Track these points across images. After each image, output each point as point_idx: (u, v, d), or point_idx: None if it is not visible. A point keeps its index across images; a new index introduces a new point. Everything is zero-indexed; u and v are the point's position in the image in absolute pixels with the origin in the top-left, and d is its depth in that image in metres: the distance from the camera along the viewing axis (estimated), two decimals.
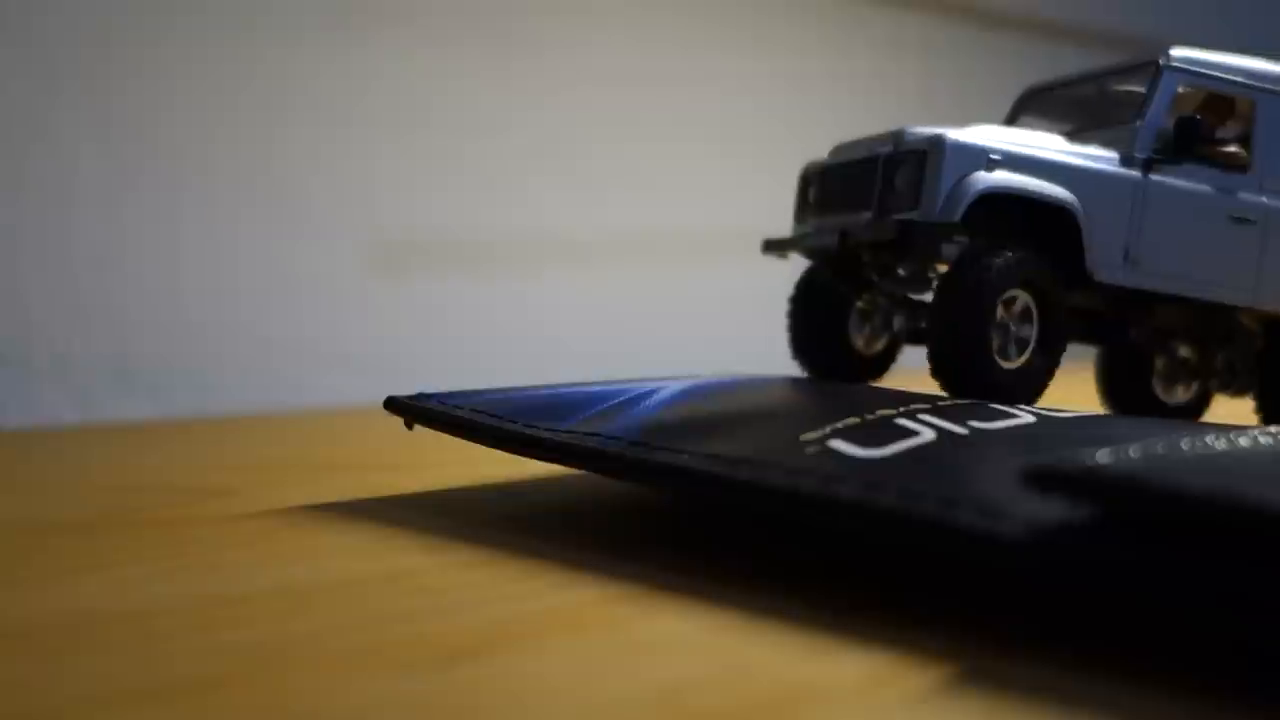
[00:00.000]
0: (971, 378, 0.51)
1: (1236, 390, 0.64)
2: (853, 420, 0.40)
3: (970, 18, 1.49)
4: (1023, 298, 0.52)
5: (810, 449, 0.38)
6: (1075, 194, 0.54)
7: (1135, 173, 0.56)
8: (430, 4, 0.88)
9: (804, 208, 0.61)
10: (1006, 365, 0.52)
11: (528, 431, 0.46)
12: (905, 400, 0.44)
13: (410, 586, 0.36)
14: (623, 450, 0.42)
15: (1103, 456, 0.28)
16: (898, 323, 0.59)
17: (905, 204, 0.53)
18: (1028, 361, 0.53)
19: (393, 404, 0.51)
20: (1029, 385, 0.53)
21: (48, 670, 0.29)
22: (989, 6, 1.51)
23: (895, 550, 0.36)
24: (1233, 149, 0.59)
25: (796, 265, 0.61)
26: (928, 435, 0.38)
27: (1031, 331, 0.53)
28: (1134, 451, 0.28)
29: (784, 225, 0.61)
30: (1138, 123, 0.56)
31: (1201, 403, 0.68)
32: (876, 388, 0.53)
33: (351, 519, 0.47)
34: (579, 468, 0.44)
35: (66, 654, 0.31)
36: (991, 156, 0.52)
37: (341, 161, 0.85)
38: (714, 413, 0.46)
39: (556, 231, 1.09)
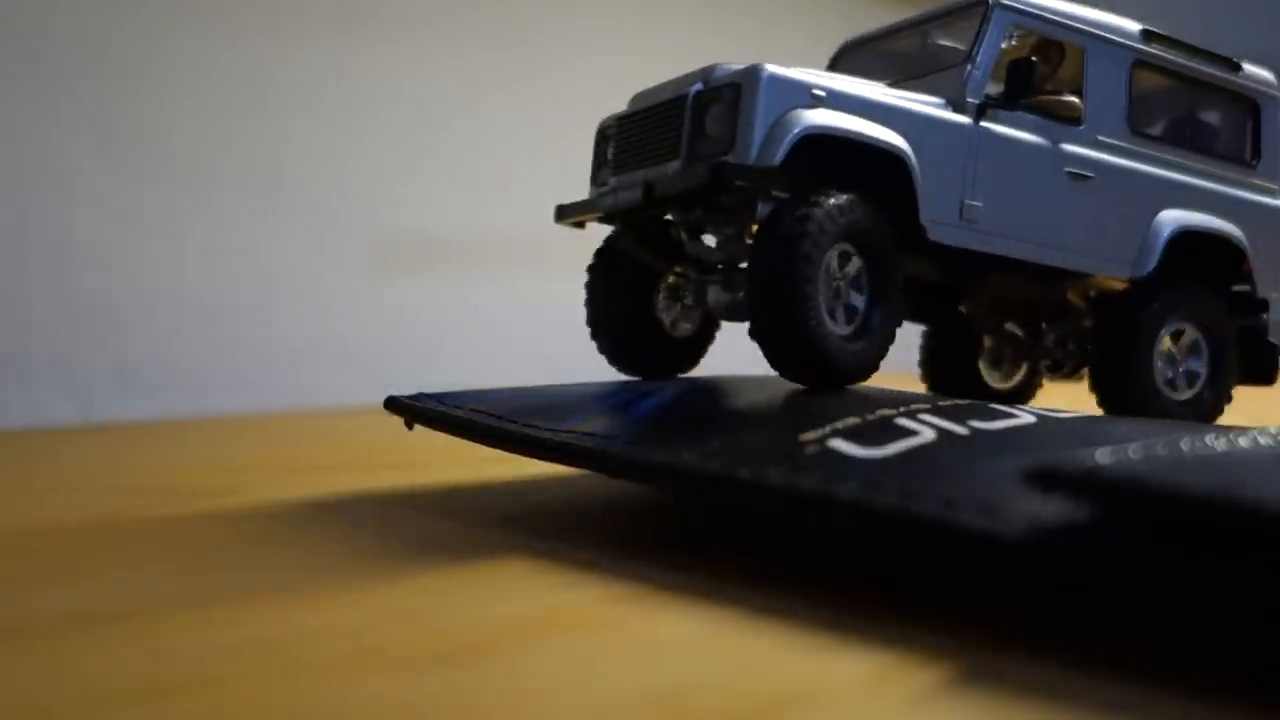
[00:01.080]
0: (794, 350, 0.45)
1: (1068, 372, 0.60)
2: (853, 420, 0.40)
3: None
4: (853, 258, 0.47)
5: (810, 449, 0.38)
6: (907, 139, 0.49)
7: (968, 120, 0.51)
8: (431, 8, 0.88)
9: (601, 166, 0.55)
10: (837, 332, 0.46)
11: (527, 431, 0.46)
12: (905, 400, 0.44)
13: (410, 586, 0.36)
14: (622, 450, 0.42)
15: (1103, 456, 0.28)
16: (713, 295, 0.52)
17: (719, 148, 0.46)
18: (858, 331, 0.47)
19: (393, 404, 0.51)
20: (861, 360, 0.47)
21: (48, 670, 0.29)
22: None
23: (895, 550, 0.36)
24: (1067, 98, 0.56)
25: None
26: (928, 435, 0.38)
27: (863, 297, 0.47)
28: (1134, 452, 0.28)
29: None
30: (969, 66, 0.52)
31: (1028, 387, 0.65)
32: (877, 388, 0.52)
33: (352, 519, 0.47)
34: (578, 467, 0.44)
35: (66, 654, 0.31)
36: (814, 93, 0.47)
37: (341, 163, 0.85)
38: (713, 412, 0.46)
39: (557, 232, 1.09)
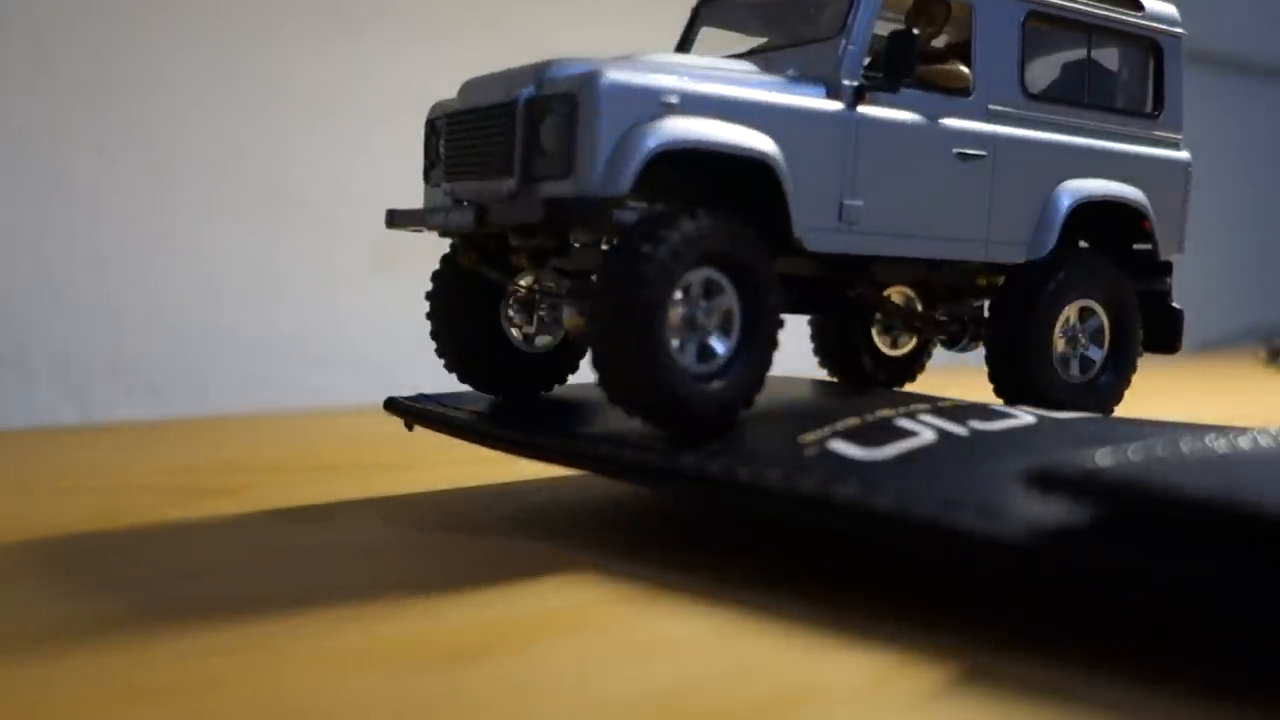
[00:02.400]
0: (636, 390, 0.40)
1: (965, 345, 0.55)
2: (853, 421, 0.40)
3: None
4: (715, 284, 0.41)
5: (810, 450, 0.38)
6: (776, 141, 0.42)
7: (844, 107, 0.45)
8: (431, 7, 0.88)
9: (434, 164, 0.48)
10: (691, 370, 0.40)
11: (526, 435, 0.46)
12: (906, 401, 0.44)
13: (410, 586, 0.36)
14: (621, 452, 0.42)
15: (1103, 458, 0.28)
16: (567, 315, 0.45)
17: (557, 169, 0.40)
18: (729, 363, 0.41)
19: (393, 405, 0.51)
20: (719, 402, 0.40)
21: (48, 670, 0.29)
22: None
23: (895, 551, 0.36)
24: (953, 67, 0.50)
25: None
26: (928, 436, 0.38)
27: (733, 322, 0.41)
28: (1134, 453, 0.28)
29: None
30: (843, 41, 0.45)
31: (922, 355, 0.61)
32: (878, 388, 0.52)
33: (352, 519, 0.47)
34: (578, 469, 0.44)
35: (67, 654, 0.31)
36: (665, 100, 0.40)
37: (341, 161, 0.85)
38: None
39: None
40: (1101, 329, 0.53)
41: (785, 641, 0.31)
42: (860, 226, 0.45)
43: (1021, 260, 0.51)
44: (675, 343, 0.39)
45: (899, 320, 0.58)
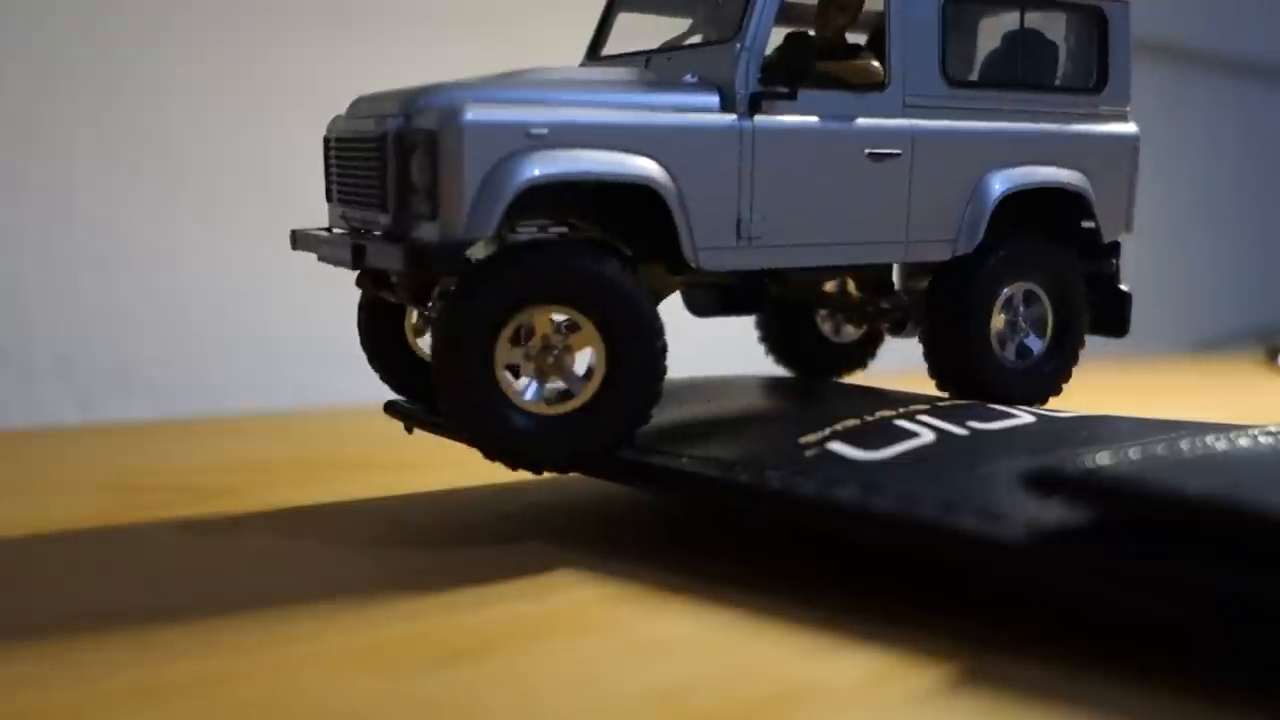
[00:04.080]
0: (486, 437, 0.39)
1: (910, 331, 0.53)
2: (852, 422, 0.40)
3: None
4: (575, 322, 0.39)
5: (809, 451, 0.38)
6: (662, 162, 0.40)
7: (738, 118, 0.42)
8: (430, 3, 0.89)
9: (330, 185, 0.47)
10: (538, 413, 0.39)
11: None
12: (905, 401, 0.44)
13: (410, 586, 0.36)
14: (620, 453, 0.42)
15: (1103, 458, 0.28)
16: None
17: (424, 209, 0.38)
18: (590, 405, 0.39)
19: (392, 408, 0.51)
20: (570, 445, 0.39)
21: (48, 670, 0.29)
22: None
23: (895, 552, 0.36)
24: (864, 62, 0.46)
25: None
26: (927, 437, 0.38)
27: (587, 362, 0.39)
28: (1134, 453, 0.28)
29: None
30: (738, 45, 0.42)
31: (870, 343, 0.58)
32: (877, 389, 0.52)
33: (352, 518, 0.47)
34: (577, 471, 0.44)
35: (68, 653, 0.31)
36: (533, 131, 0.38)
37: None
38: (713, 415, 0.46)
39: None
40: (1044, 313, 0.51)
41: (785, 641, 0.31)
42: (762, 241, 0.43)
43: (948, 257, 0.48)
44: (526, 382, 0.39)
45: (837, 311, 0.56)
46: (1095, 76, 0.52)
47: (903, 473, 0.35)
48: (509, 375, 0.38)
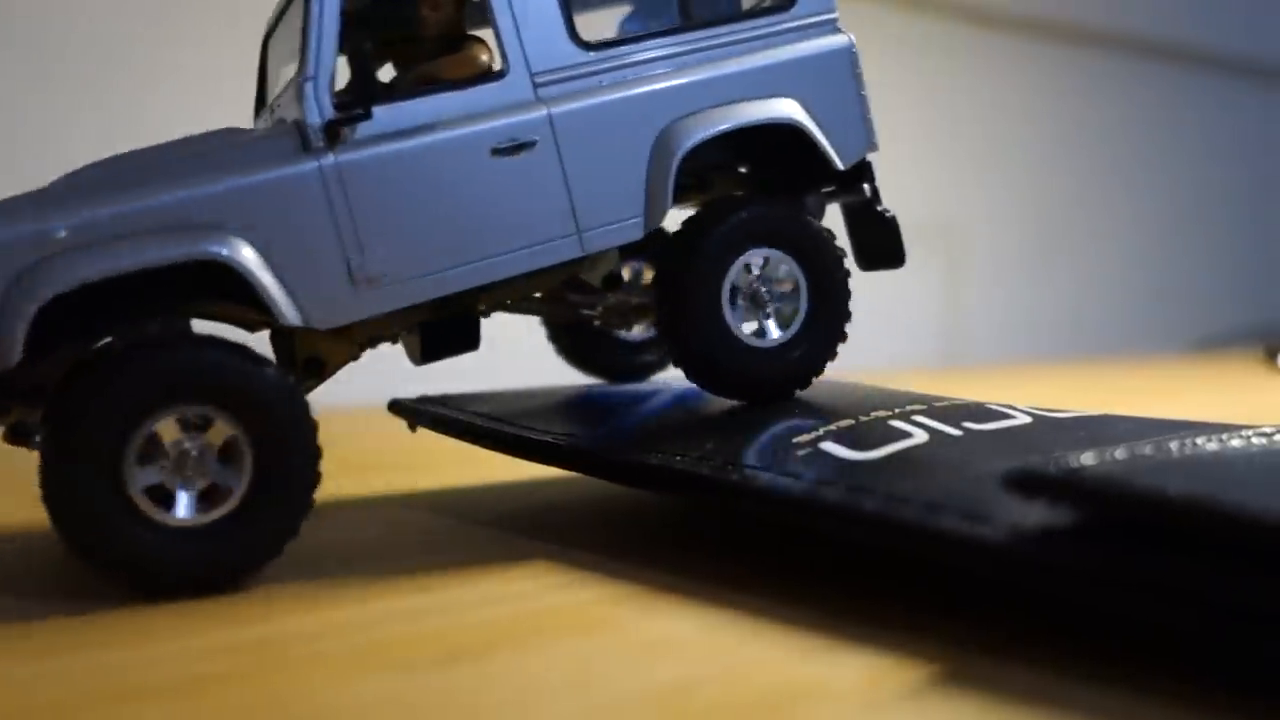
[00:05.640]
0: (99, 554, 0.35)
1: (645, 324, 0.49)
2: (847, 422, 0.40)
3: (974, 17, 1.49)
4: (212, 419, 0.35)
5: (802, 451, 0.38)
6: (222, 229, 0.36)
7: (316, 156, 0.38)
8: None
9: None
10: (165, 522, 0.35)
11: (527, 436, 0.46)
12: (902, 401, 0.44)
13: (410, 586, 0.37)
14: (618, 454, 0.42)
15: (1087, 459, 0.28)
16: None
17: None
18: (231, 517, 0.36)
19: (396, 407, 0.51)
20: (198, 561, 0.35)
21: (49, 669, 0.30)
22: (990, 6, 1.51)
23: (890, 552, 0.36)
24: (465, 52, 0.42)
25: None
26: (920, 437, 0.38)
27: (240, 455, 0.36)
28: (1119, 454, 0.28)
29: None
30: (303, 78, 0.38)
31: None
32: (876, 388, 0.52)
33: (353, 518, 0.48)
34: (579, 472, 0.44)
35: (68, 653, 0.31)
36: (54, 236, 0.35)
37: None
38: (710, 416, 0.46)
39: None
40: (794, 280, 0.45)
41: (783, 641, 0.31)
42: (392, 277, 0.39)
43: (640, 236, 0.43)
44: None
45: (570, 318, 0.51)
46: None
47: (892, 473, 0.35)
48: (146, 498, 0.35)
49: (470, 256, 0.40)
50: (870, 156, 0.48)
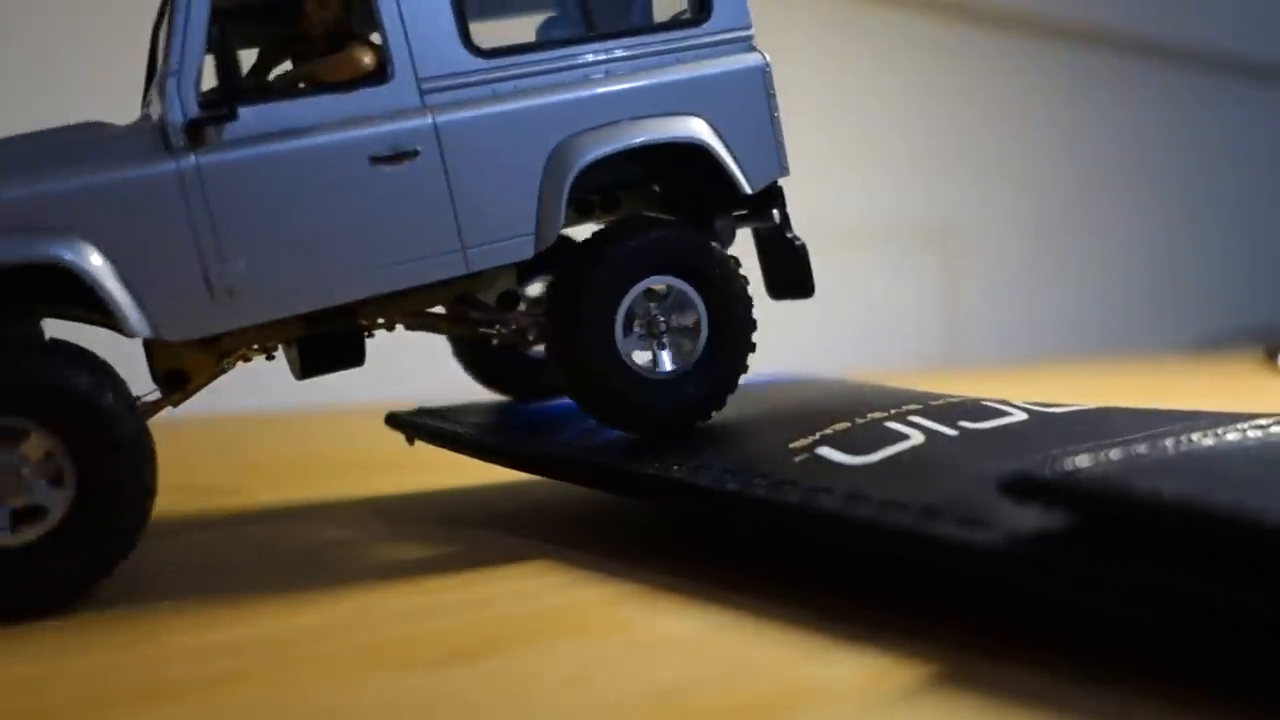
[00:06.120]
0: None
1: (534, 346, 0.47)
2: (843, 425, 0.40)
3: (969, 17, 1.49)
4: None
5: (798, 457, 0.38)
6: (78, 236, 0.35)
7: (175, 157, 0.36)
8: None
9: None
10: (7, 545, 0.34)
11: (524, 448, 0.46)
12: (899, 401, 0.44)
13: (410, 586, 0.37)
14: (616, 465, 0.42)
15: (1082, 460, 0.28)
16: None
17: None
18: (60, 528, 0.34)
19: (394, 421, 0.51)
20: (51, 570, 0.34)
21: (49, 669, 0.30)
22: (990, 6, 1.51)
23: (882, 558, 0.36)
24: (348, 52, 0.40)
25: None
26: (916, 438, 0.38)
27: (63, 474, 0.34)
28: (1114, 454, 0.28)
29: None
30: (167, 73, 0.37)
31: None
32: (875, 387, 0.52)
33: (354, 519, 0.48)
34: (577, 484, 0.44)
35: (69, 653, 0.31)
36: None
37: None
38: (707, 424, 0.46)
39: None
40: (694, 310, 0.43)
41: (783, 641, 0.31)
42: (253, 289, 0.37)
43: (530, 255, 0.41)
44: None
45: (471, 336, 0.48)
46: (695, 6, 0.44)
47: (888, 478, 0.35)
48: None
49: (343, 270, 0.38)
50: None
